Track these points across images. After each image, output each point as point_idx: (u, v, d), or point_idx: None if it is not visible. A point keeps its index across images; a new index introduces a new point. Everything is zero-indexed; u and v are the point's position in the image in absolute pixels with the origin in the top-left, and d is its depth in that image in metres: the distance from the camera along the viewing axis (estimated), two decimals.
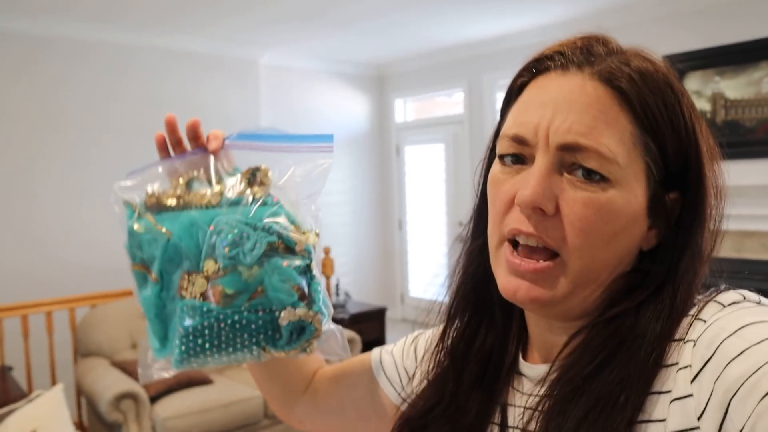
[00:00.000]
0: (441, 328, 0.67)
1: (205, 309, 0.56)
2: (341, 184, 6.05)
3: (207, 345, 0.57)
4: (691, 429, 0.44)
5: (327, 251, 4.65)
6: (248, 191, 0.60)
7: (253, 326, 0.56)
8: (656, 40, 4.24)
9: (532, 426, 0.53)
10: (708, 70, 3.85)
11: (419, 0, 4.00)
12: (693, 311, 0.50)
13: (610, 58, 0.52)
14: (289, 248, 0.58)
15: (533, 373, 0.59)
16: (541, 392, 0.54)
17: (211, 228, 0.58)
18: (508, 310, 0.62)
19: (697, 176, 0.53)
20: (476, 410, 0.61)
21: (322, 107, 5.87)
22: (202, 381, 3.26)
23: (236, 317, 0.56)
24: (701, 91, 3.87)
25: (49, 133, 4.14)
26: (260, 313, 0.56)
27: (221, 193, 0.60)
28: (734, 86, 3.80)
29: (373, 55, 5.77)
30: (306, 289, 0.58)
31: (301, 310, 0.57)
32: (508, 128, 0.55)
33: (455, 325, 0.65)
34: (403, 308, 6.37)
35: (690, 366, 0.46)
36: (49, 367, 3.47)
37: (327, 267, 4.62)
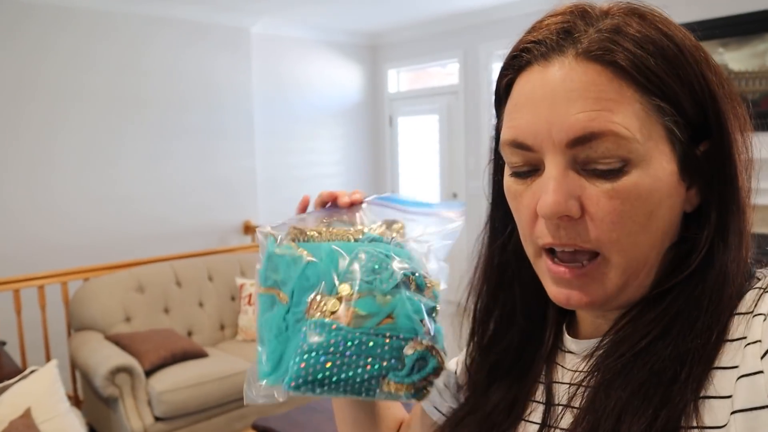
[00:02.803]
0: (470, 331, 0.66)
1: (334, 326, 0.57)
2: (333, 155, 6.00)
3: (329, 364, 0.56)
4: (761, 407, 0.41)
5: None
6: (387, 233, 0.65)
7: (378, 350, 0.56)
8: None
9: (576, 402, 0.51)
10: (712, 42, 3.80)
11: None
12: (761, 284, 0.47)
13: (592, 31, 0.48)
14: (419, 288, 0.60)
15: (579, 348, 0.57)
16: (587, 367, 0.52)
17: (353, 255, 0.61)
18: (542, 299, 0.59)
19: (716, 117, 0.49)
20: (510, 390, 0.60)
21: (315, 77, 5.78)
22: (198, 354, 3.26)
23: (364, 338, 0.57)
24: None
25: (27, 103, 4.04)
26: (387, 339, 0.57)
27: (362, 231, 0.65)
28: (738, 58, 3.75)
29: (367, 25, 5.66)
30: (431, 328, 0.58)
31: (427, 342, 0.57)
32: (505, 134, 0.52)
33: (486, 322, 0.64)
34: None
35: (760, 341, 0.43)
36: (43, 342, 3.46)
37: None
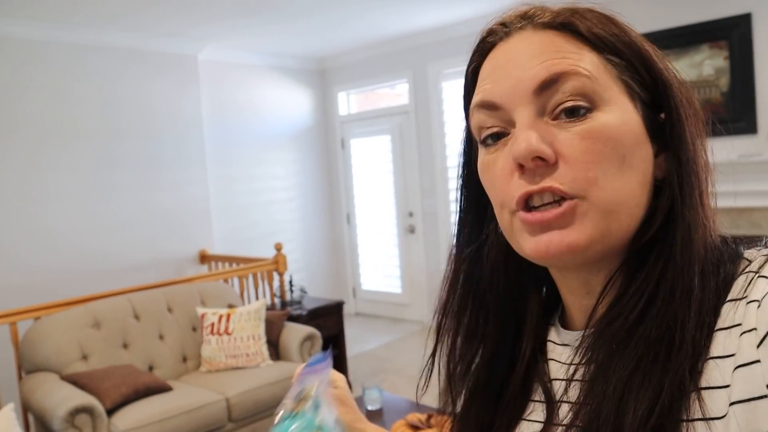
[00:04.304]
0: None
1: None
2: (287, 180, 5.95)
3: None
4: (760, 397, 0.40)
5: (279, 247, 4.56)
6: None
7: None
8: None
9: (576, 393, 0.50)
10: None
11: None
12: (752, 267, 0.46)
13: (548, 12, 0.53)
14: None
15: (573, 339, 0.56)
16: (581, 357, 0.51)
17: None
18: (522, 294, 0.61)
19: (666, 90, 0.52)
20: (487, 413, 0.60)
21: (265, 102, 5.74)
22: (161, 389, 3.13)
23: None
24: None
25: None
26: None
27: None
28: (677, 69, 3.93)
29: (314, 49, 5.68)
30: None
31: None
32: (475, 100, 0.54)
33: (454, 338, 0.63)
34: (356, 302, 6.33)
35: (755, 329, 0.42)
36: None
37: (280, 264, 4.52)
